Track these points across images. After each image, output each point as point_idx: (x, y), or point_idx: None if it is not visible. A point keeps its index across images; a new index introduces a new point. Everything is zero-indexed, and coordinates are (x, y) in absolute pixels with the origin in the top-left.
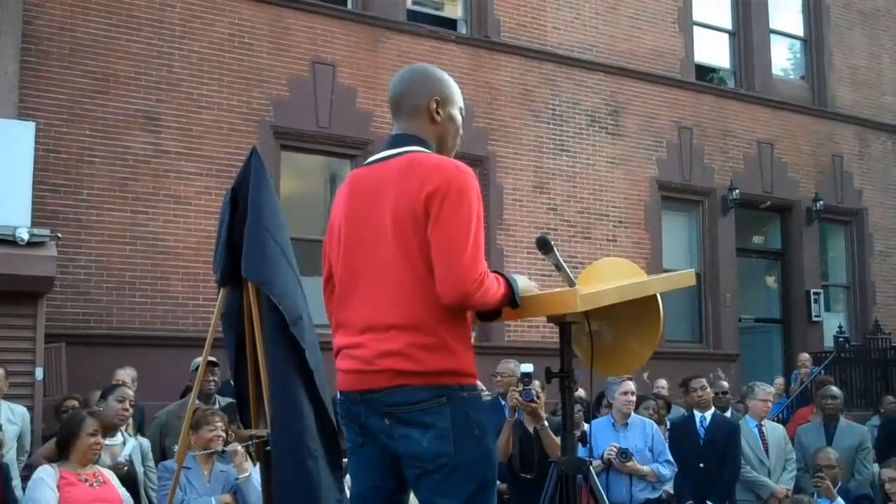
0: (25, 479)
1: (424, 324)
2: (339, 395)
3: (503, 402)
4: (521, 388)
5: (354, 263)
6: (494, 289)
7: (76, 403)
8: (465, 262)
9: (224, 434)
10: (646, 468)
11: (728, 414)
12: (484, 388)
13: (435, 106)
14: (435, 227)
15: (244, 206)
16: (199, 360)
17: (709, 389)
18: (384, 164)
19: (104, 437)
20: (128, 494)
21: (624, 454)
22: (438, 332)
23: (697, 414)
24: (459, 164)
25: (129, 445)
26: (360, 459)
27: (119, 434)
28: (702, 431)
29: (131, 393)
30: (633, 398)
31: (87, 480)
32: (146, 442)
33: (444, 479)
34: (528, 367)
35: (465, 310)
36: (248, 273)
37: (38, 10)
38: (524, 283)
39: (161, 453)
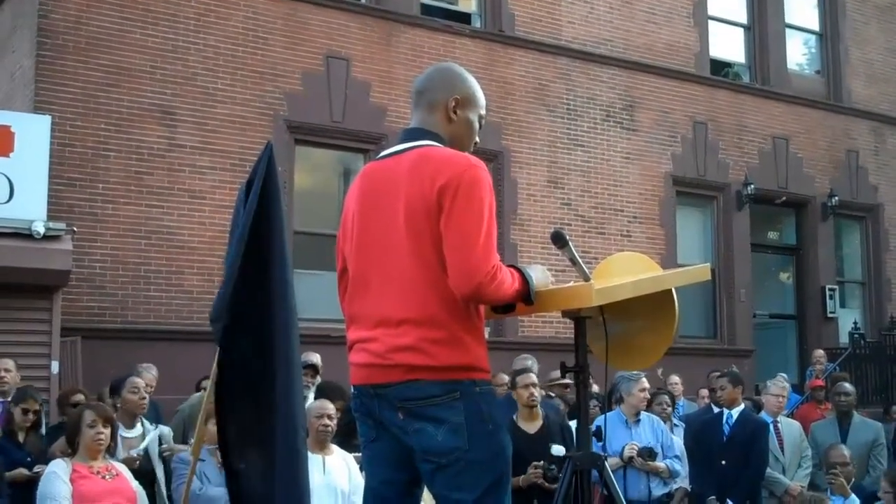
0: None
1: (437, 318)
2: (352, 390)
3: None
4: (544, 465)
5: (367, 258)
6: (508, 283)
7: (83, 398)
8: (477, 254)
9: None
10: (661, 465)
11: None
12: (506, 382)
13: (454, 104)
14: (447, 220)
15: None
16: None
17: (729, 388)
18: (397, 158)
19: (128, 427)
20: (140, 488)
21: (649, 453)
22: (451, 326)
23: (725, 411)
24: (471, 158)
25: (148, 437)
26: (373, 453)
27: (139, 426)
28: (726, 429)
29: (141, 381)
30: (648, 395)
31: (99, 473)
32: (167, 430)
33: (459, 474)
34: (559, 450)
35: (479, 302)
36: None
37: (53, 4)
38: (540, 277)
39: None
